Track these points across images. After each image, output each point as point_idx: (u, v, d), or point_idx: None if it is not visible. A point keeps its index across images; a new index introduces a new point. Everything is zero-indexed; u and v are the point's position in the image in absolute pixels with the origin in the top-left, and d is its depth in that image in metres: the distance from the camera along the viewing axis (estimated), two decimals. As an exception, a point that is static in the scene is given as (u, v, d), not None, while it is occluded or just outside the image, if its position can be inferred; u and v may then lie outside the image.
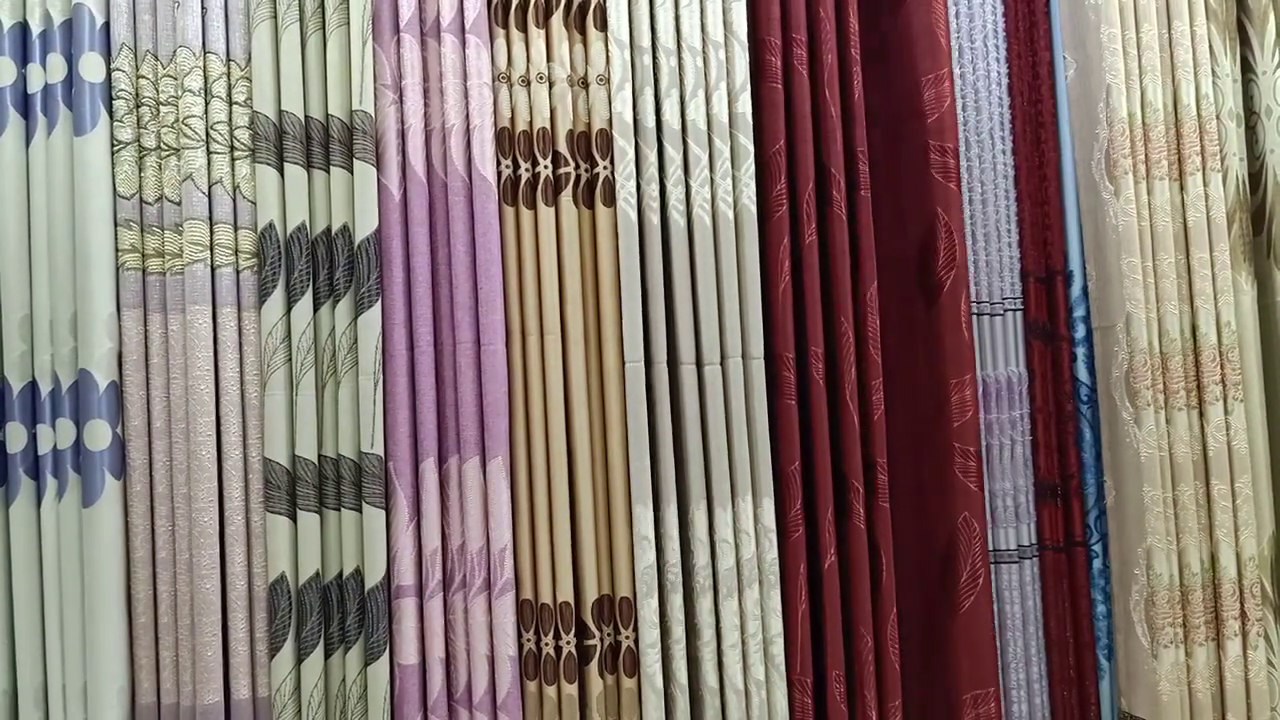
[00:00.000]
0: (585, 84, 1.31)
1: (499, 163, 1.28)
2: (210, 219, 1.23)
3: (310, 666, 1.23)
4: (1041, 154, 1.46)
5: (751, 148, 1.30)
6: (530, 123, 1.29)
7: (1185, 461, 1.37)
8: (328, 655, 1.24)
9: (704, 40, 1.30)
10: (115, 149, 1.23)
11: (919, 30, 1.38)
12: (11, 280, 1.23)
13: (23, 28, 1.25)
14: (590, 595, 1.26)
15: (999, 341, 1.42)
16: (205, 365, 1.21)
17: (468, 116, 1.27)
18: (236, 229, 1.24)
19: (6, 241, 1.23)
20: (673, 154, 1.29)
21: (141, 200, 1.24)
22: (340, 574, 1.24)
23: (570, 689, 1.24)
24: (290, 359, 1.24)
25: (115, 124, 1.23)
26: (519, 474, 1.26)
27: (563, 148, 1.29)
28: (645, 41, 1.30)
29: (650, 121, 1.29)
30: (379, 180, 1.25)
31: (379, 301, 1.24)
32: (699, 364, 1.28)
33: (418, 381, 1.25)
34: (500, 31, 1.29)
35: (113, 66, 1.24)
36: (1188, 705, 1.37)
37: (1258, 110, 1.47)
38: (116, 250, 1.22)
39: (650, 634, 1.24)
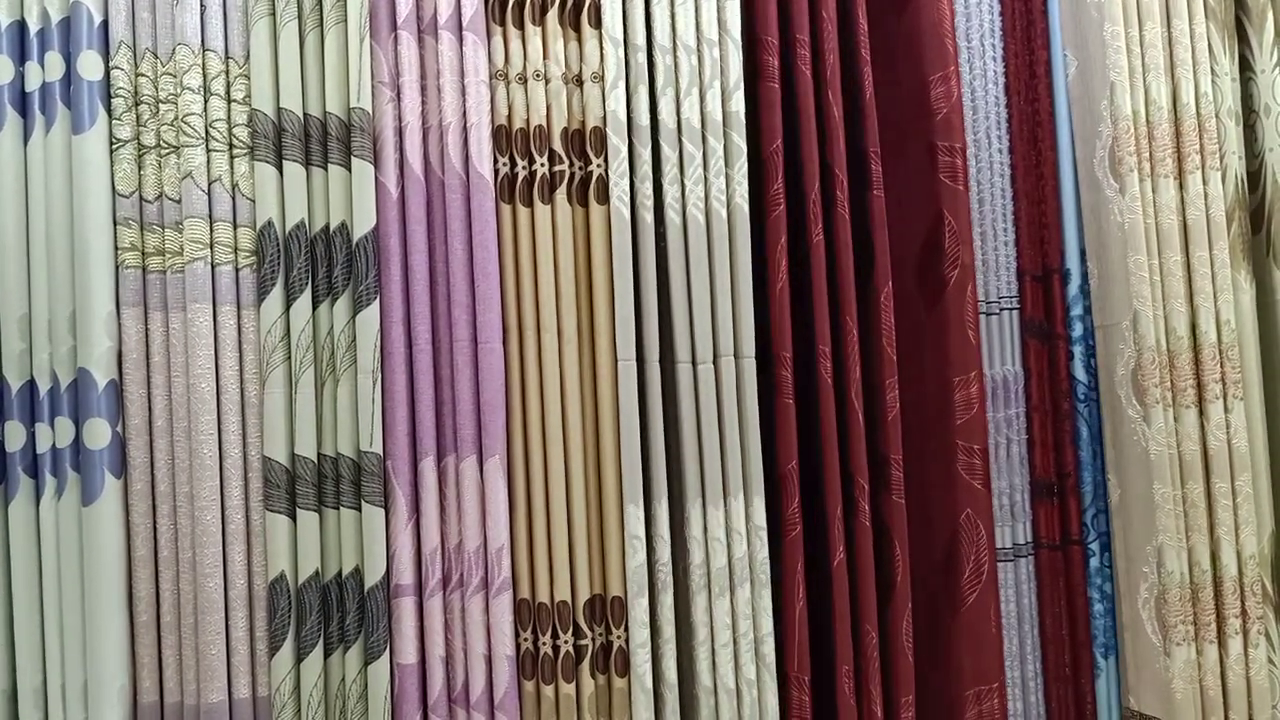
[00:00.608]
0: (580, 82, 1.31)
1: (496, 161, 1.28)
2: (210, 217, 1.23)
3: (309, 666, 1.23)
4: (1039, 153, 1.46)
5: (745, 146, 1.30)
6: (527, 120, 1.29)
7: (1194, 459, 1.37)
8: (327, 654, 1.24)
9: (699, 39, 1.30)
10: (114, 147, 1.23)
11: (925, 30, 1.38)
12: (10, 279, 1.23)
13: (20, 26, 1.25)
14: (583, 595, 1.25)
15: (995, 340, 1.42)
16: (205, 364, 1.21)
17: (465, 114, 1.27)
18: (236, 227, 1.24)
19: (5, 240, 1.23)
20: (667, 152, 1.29)
21: (141, 198, 1.24)
22: (340, 573, 1.24)
23: (568, 688, 1.24)
24: (289, 357, 1.24)
25: (114, 122, 1.23)
26: (516, 472, 1.26)
27: (558, 145, 1.29)
28: (639, 39, 1.30)
29: (644, 119, 1.29)
30: (376, 178, 1.25)
31: (377, 299, 1.24)
32: (693, 362, 1.28)
33: (416, 380, 1.25)
34: (497, 29, 1.29)
35: (111, 64, 1.24)
36: (1199, 703, 1.37)
37: (1256, 109, 1.47)
38: (116, 249, 1.22)
39: (641, 633, 1.24)
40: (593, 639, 1.26)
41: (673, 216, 1.28)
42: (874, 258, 1.35)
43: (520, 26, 1.29)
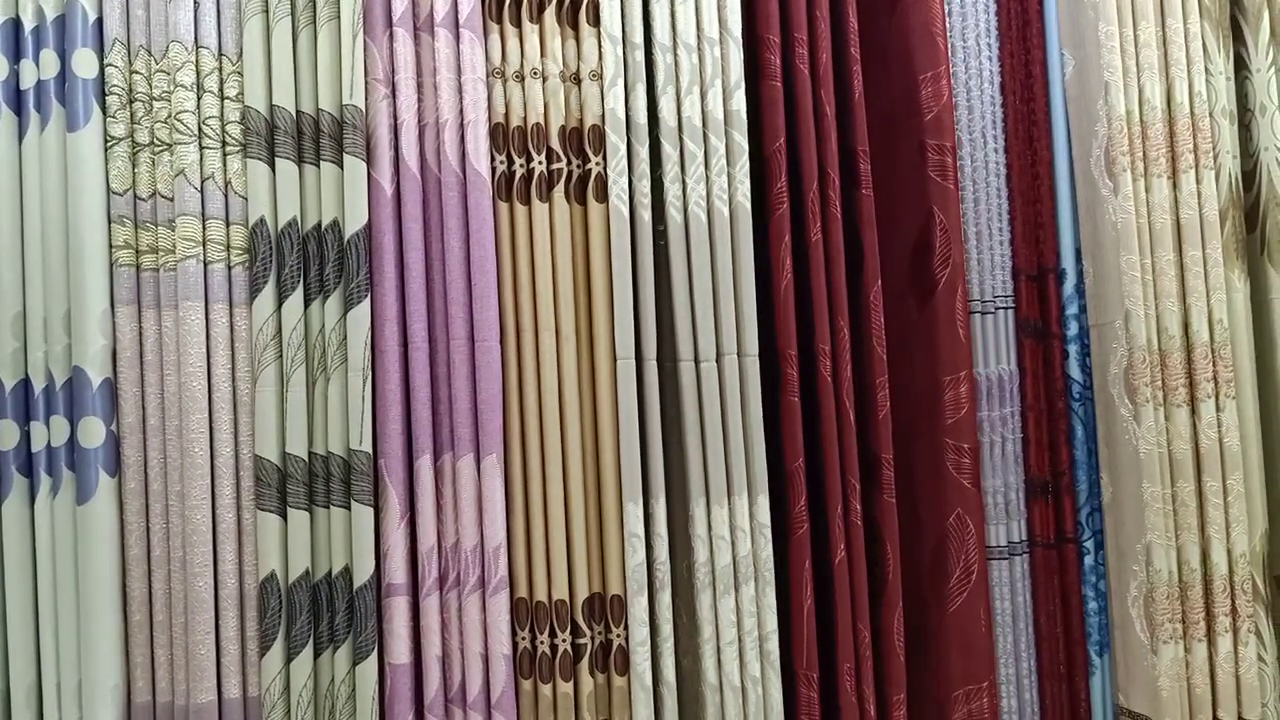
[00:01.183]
0: (578, 79, 1.30)
1: (493, 158, 1.28)
2: (202, 214, 1.23)
3: (299, 666, 1.22)
4: (1034, 152, 1.46)
5: (746, 145, 1.30)
6: (524, 118, 1.29)
7: (1184, 458, 1.37)
8: (317, 654, 1.24)
9: (699, 37, 1.30)
10: (108, 145, 1.23)
11: (916, 29, 1.38)
12: (5, 277, 1.23)
13: (15, 23, 1.25)
14: (581, 593, 1.25)
15: (990, 339, 1.42)
16: (198, 362, 1.21)
17: (461, 111, 1.27)
18: (228, 224, 1.24)
19: (0, 238, 1.22)
20: (668, 150, 1.28)
21: (135, 196, 1.24)
22: (330, 572, 1.24)
23: (565, 687, 1.24)
24: (281, 355, 1.24)
25: (108, 120, 1.23)
26: (513, 471, 1.26)
27: (555, 143, 1.29)
28: (638, 37, 1.29)
29: (642, 118, 1.28)
30: (371, 175, 1.25)
31: (368, 297, 1.24)
32: (696, 361, 1.28)
33: (412, 378, 1.24)
34: (494, 26, 1.29)
35: (105, 62, 1.23)
36: (1186, 701, 1.37)
37: (1252, 108, 1.47)
38: (110, 246, 1.22)
39: (640, 632, 1.24)
40: (592, 637, 1.26)
41: (674, 215, 1.28)
42: (863, 257, 1.35)
43: (517, 24, 1.29)
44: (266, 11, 1.25)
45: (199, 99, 1.24)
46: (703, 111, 1.29)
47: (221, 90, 1.25)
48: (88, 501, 1.19)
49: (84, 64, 1.23)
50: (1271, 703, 1.39)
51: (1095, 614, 1.44)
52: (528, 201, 1.28)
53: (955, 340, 1.35)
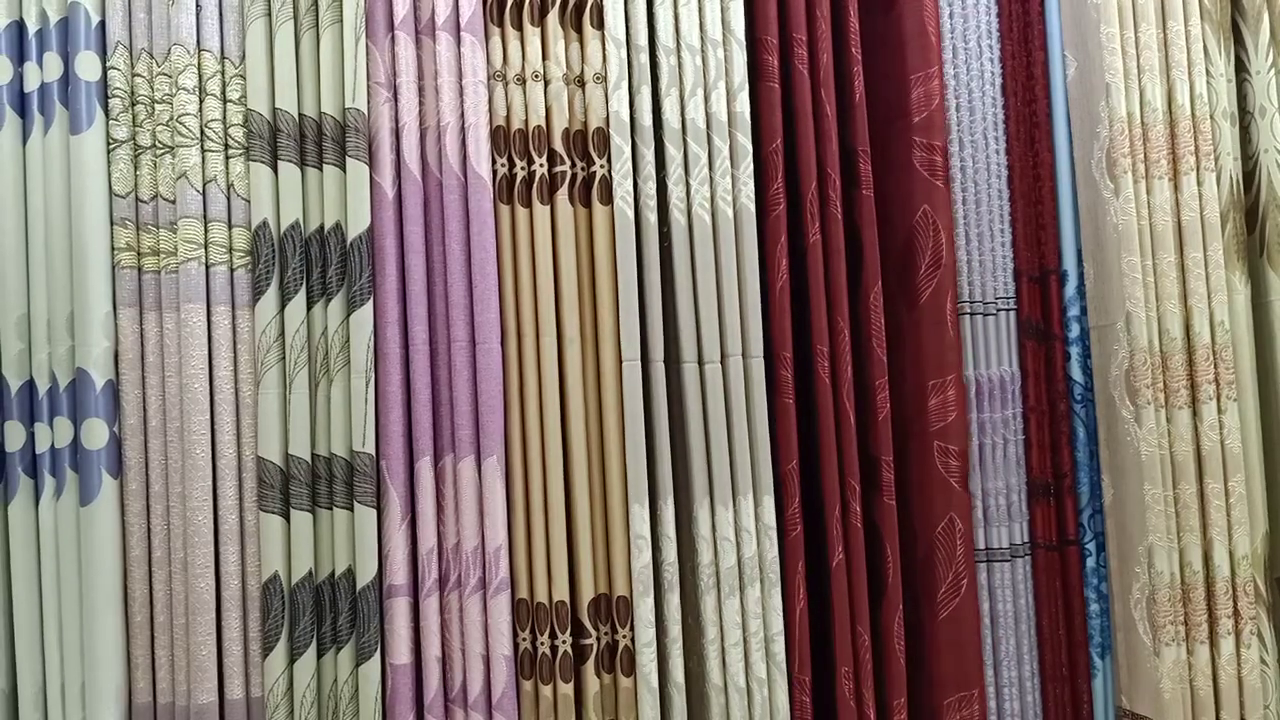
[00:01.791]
0: (581, 82, 1.31)
1: (494, 161, 1.28)
2: (205, 217, 1.23)
3: (303, 666, 1.23)
4: (1036, 153, 1.46)
5: (750, 146, 1.30)
6: (526, 121, 1.29)
7: (1186, 460, 1.37)
8: (320, 655, 1.24)
9: (702, 39, 1.30)
10: (111, 147, 1.23)
11: (910, 29, 1.38)
12: (8, 279, 1.23)
13: (19, 26, 1.25)
14: (586, 594, 1.26)
15: (992, 341, 1.42)
16: (200, 364, 1.22)
17: (463, 115, 1.27)
18: (231, 227, 1.24)
19: (4, 240, 1.23)
20: (672, 153, 1.29)
21: (137, 198, 1.24)
22: (333, 573, 1.24)
23: (566, 688, 1.25)
24: (283, 357, 1.24)
25: (111, 122, 1.23)
26: (515, 473, 1.26)
27: (559, 146, 1.29)
28: (642, 40, 1.30)
29: (647, 120, 1.29)
30: (373, 178, 1.25)
31: (371, 300, 1.24)
32: (700, 362, 1.28)
33: (413, 380, 1.25)
34: (495, 30, 1.29)
35: (108, 65, 1.24)
36: (1189, 703, 1.37)
37: (1251, 110, 1.47)
38: (112, 249, 1.22)
39: (646, 633, 1.24)
40: (597, 638, 1.26)
41: (678, 217, 1.28)
42: (863, 257, 1.35)
43: (519, 27, 1.29)
44: (269, 15, 1.26)
45: (201, 102, 1.24)
46: (706, 113, 1.30)
47: (224, 93, 1.26)
48: (91, 503, 1.19)
49: (87, 67, 1.23)
50: (1274, 704, 1.39)
51: (1097, 616, 1.44)
52: (529, 204, 1.28)
53: (945, 342, 1.35)
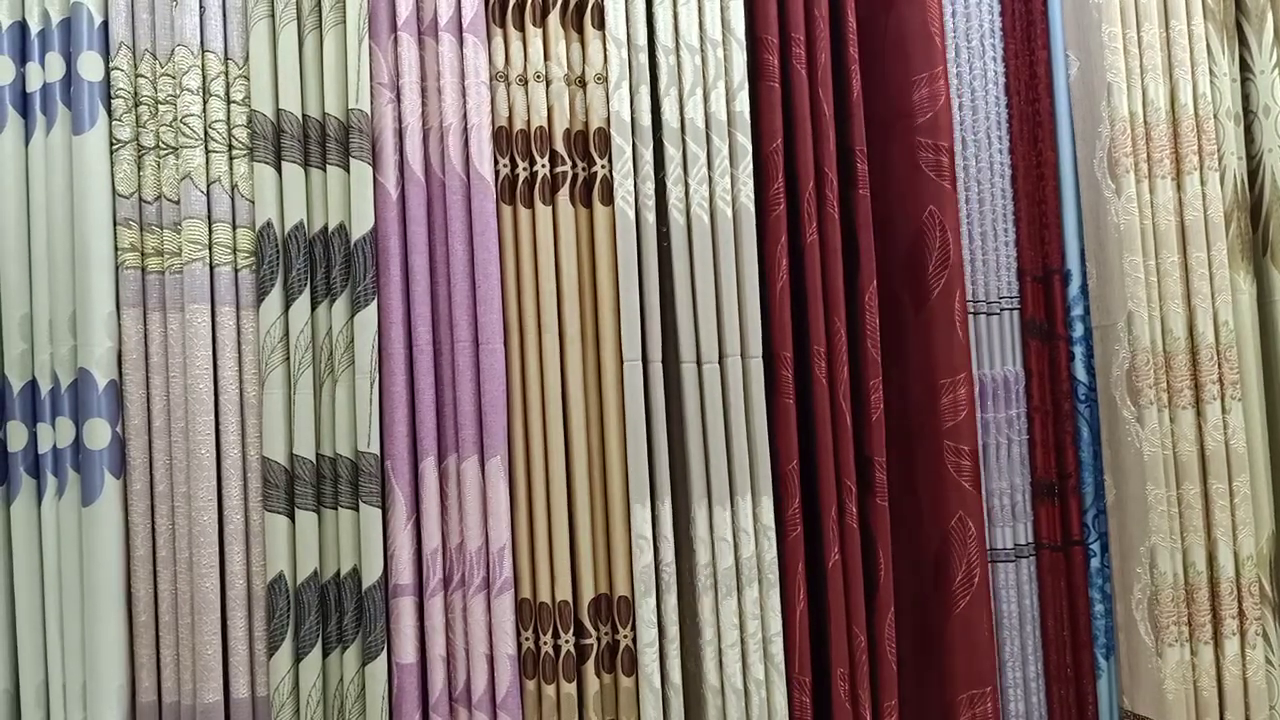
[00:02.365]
0: (583, 83, 1.31)
1: (497, 162, 1.28)
2: (208, 218, 1.24)
3: (308, 666, 1.23)
4: (1039, 153, 1.46)
5: (750, 146, 1.30)
6: (528, 122, 1.29)
7: (1190, 460, 1.37)
8: (325, 654, 1.24)
9: (702, 39, 1.30)
10: (114, 148, 1.23)
11: (913, 29, 1.38)
12: (11, 279, 1.23)
13: (21, 26, 1.25)
14: (587, 594, 1.26)
15: (995, 341, 1.42)
16: (204, 364, 1.22)
17: (465, 115, 1.27)
18: (235, 228, 1.25)
19: (6, 240, 1.23)
20: (672, 152, 1.29)
21: (140, 199, 1.24)
22: (338, 573, 1.25)
23: (569, 688, 1.25)
24: (288, 358, 1.24)
25: (114, 123, 1.23)
26: (517, 472, 1.26)
27: (560, 147, 1.29)
28: (642, 40, 1.30)
29: (646, 120, 1.28)
30: (376, 179, 1.25)
31: (374, 301, 1.24)
32: (698, 362, 1.28)
33: (416, 380, 1.25)
34: (498, 30, 1.29)
35: (111, 65, 1.24)
36: (1192, 704, 1.37)
37: (1255, 109, 1.47)
38: (116, 249, 1.22)
39: (648, 633, 1.24)
40: (598, 638, 1.26)
41: (677, 217, 1.28)
42: (859, 258, 1.35)
43: (521, 28, 1.29)
44: (273, 16, 1.26)
45: (205, 103, 1.25)
46: (705, 113, 1.29)
47: (228, 94, 1.26)
48: (93, 503, 1.19)
49: (89, 67, 1.23)
50: (1279, 705, 1.39)
51: (1101, 617, 1.44)
52: (531, 204, 1.28)
53: (954, 342, 1.35)
